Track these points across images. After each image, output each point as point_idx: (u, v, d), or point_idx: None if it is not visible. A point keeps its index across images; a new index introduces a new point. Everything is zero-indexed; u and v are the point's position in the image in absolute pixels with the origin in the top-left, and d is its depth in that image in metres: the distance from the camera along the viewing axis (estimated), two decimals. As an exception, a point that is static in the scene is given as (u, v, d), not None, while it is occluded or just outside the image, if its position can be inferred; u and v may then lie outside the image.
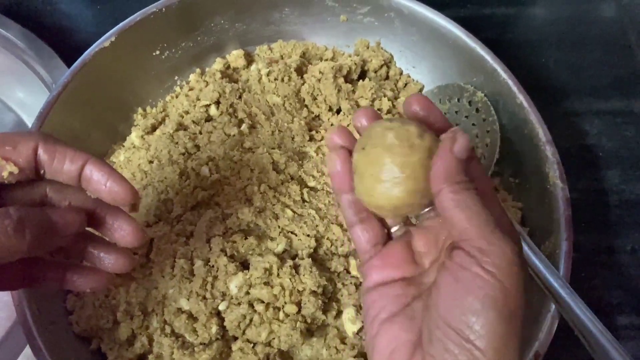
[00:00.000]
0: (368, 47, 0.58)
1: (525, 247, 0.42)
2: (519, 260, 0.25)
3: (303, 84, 0.54)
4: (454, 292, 0.25)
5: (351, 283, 0.45)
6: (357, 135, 0.32)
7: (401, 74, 0.58)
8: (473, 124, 0.53)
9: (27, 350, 0.44)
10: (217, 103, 0.52)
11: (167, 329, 0.42)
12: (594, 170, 0.60)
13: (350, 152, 0.31)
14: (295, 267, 0.44)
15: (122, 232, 0.34)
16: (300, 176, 0.49)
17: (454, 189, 0.26)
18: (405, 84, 0.58)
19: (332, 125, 0.53)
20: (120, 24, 0.50)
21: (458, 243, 0.26)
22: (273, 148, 0.50)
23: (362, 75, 0.58)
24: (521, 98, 0.48)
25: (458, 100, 0.54)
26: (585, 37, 0.68)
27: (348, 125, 0.52)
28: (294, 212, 0.47)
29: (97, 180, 0.32)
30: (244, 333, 0.42)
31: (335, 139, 0.31)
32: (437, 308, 0.26)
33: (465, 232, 0.26)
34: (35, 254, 0.29)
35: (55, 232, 0.30)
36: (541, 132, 0.47)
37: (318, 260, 0.46)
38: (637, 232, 0.57)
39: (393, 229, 0.34)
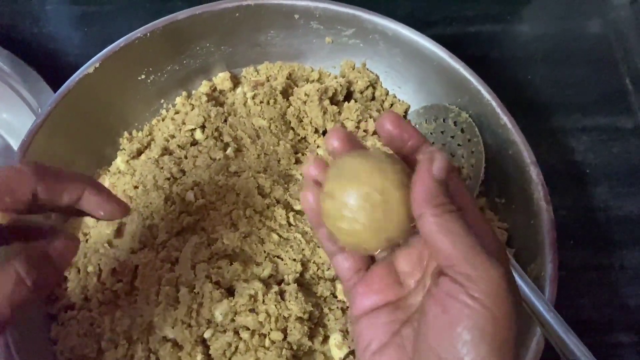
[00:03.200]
0: (354, 68, 0.58)
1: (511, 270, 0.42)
2: (508, 285, 0.24)
3: (289, 107, 0.54)
4: (442, 323, 0.25)
5: (338, 307, 0.45)
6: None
7: (387, 94, 0.59)
8: (459, 144, 0.53)
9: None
10: (203, 127, 0.52)
11: (152, 358, 0.42)
12: (582, 187, 0.60)
13: None
14: (281, 293, 0.43)
15: (109, 209, 0.34)
16: (286, 200, 0.49)
17: (435, 212, 0.25)
18: (392, 105, 0.58)
19: (318, 147, 0.53)
20: (104, 50, 0.50)
21: (443, 269, 0.25)
22: (259, 172, 0.50)
23: (348, 96, 0.58)
24: (505, 119, 0.49)
25: (444, 120, 0.54)
26: (571, 54, 0.68)
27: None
28: (279, 236, 0.47)
29: (95, 208, 0.33)
30: (229, 361, 0.42)
31: (311, 171, 0.30)
32: (426, 338, 0.25)
33: (449, 257, 0.25)
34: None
35: (56, 270, 0.31)
36: (525, 153, 0.47)
37: (304, 284, 0.46)
38: (625, 249, 0.57)
39: (376, 252, 0.33)
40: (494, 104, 0.49)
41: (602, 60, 0.68)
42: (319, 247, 0.47)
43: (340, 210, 0.27)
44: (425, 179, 0.26)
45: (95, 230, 0.47)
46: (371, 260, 0.33)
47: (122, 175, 0.50)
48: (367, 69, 0.58)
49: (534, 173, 0.46)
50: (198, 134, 0.52)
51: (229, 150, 0.51)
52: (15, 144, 0.60)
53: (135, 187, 0.49)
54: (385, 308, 0.30)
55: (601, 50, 0.68)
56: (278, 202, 0.49)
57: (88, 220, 0.48)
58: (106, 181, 0.51)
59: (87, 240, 0.48)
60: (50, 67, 0.60)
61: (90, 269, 0.44)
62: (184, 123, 0.53)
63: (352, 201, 0.27)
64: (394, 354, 0.28)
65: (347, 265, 0.32)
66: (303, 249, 0.47)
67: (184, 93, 0.57)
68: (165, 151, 0.51)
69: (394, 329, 0.29)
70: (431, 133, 0.55)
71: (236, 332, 0.42)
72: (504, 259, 0.25)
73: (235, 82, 0.58)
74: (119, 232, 0.47)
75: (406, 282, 0.31)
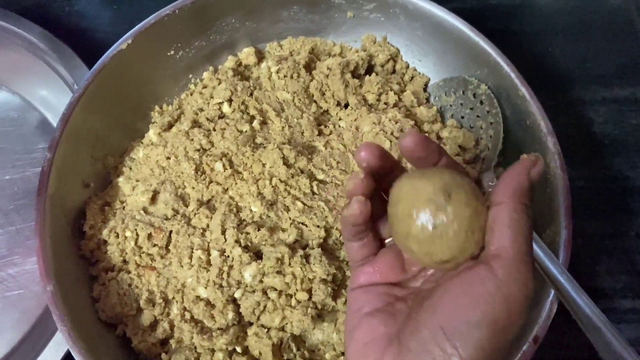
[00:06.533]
0: (375, 42, 0.60)
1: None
2: (530, 301, 0.26)
3: (311, 80, 0.56)
4: (461, 301, 0.26)
5: (359, 271, 0.47)
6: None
7: (407, 67, 0.60)
8: (477, 116, 0.54)
9: (57, 336, 0.47)
10: (230, 101, 0.54)
11: (187, 315, 0.45)
12: (600, 158, 0.61)
13: (374, 173, 0.32)
14: (306, 257, 0.46)
15: None
16: (309, 170, 0.51)
17: (516, 208, 0.27)
18: (412, 78, 0.59)
19: (340, 119, 0.55)
20: (136, 27, 0.52)
21: (488, 259, 0.27)
22: (283, 143, 0.52)
23: (369, 69, 0.59)
24: (523, 90, 0.50)
25: (463, 92, 0.55)
26: (591, 26, 0.69)
27: (355, 119, 0.54)
28: (304, 204, 0.49)
29: None
30: (258, 319, 0.44)
31: (363, 157, 0.32)
32: (435, 310, 0.27)
33: (504, 250, 0.26)
34: None
35: None
36: (543, 123, 0.48)
37: (328, 249, 0.48)
38: (641, 218, 0.58)
39: (387, 240, 0.35)
40: (512, 75, 0.50)
41: (621, 32, 0.68)
42: (341, 214, 0.49)
43: (411, 229, 0.28)
44: (522, 175, 0.28)
45: (132, 199, 0.50)
46: (381, 245, 0.35)
47: (154, 147, 0.53)
48: (388, 43, 0.59)
49: (551, 143, 0.48)
50: (225, 108, 0.54)
51: (255, 123, 0.54)
52: (52, 118, 0.63)
53: (168, 158, 0.52)
54: (384, 285, 0.33)
55: (621, 22, 0.68)
56: (302, 172, 0.51)
57: (124, 189, 0.51)
58: (140, 152, 0.53)
59: (124, 207, 0.51)
60: (82, 45, 0.62)
61: (127, 233, 0.47)
62: (211, 97, 0.55)
63: (422, 221, 0.28)
64: (385, 318, 0.30)
65: (362, 253, 0.34)
66: (326, 217, 0.49)
67: (211, 68, 0.59)
68: (195, 124, 0.54)
69: (388, 300, 0.31)
70: (450, 105, 0.56)
71: (264, 292, 0.45)
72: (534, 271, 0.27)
73: (260, 57, 0.60)
74: (153, 200, 0.50)
75: (410, 270, 0.33)
